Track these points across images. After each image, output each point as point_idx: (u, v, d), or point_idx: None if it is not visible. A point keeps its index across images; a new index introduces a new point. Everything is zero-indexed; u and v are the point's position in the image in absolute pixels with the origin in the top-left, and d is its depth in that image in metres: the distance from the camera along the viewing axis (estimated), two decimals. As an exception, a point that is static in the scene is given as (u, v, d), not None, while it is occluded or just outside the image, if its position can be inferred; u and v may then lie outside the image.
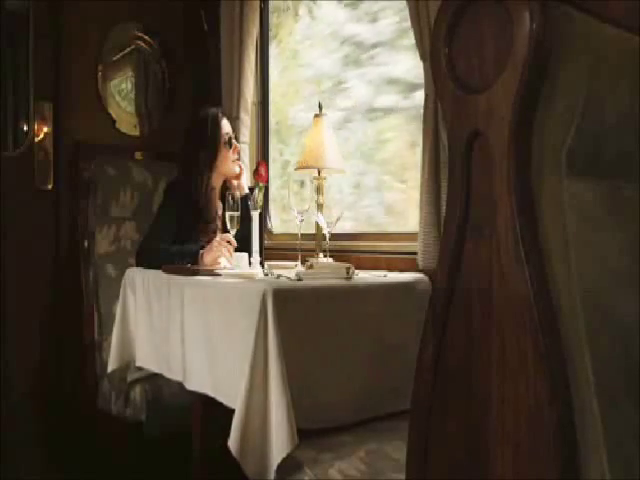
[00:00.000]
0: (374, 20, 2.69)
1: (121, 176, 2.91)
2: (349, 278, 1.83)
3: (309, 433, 1.57)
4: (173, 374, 1.96)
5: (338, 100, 2.86)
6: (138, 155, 3.16)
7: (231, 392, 1.62)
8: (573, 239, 0.93)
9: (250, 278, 1.81)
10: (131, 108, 3.22)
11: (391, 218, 2.64)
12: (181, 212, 2.36)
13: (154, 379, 2.36)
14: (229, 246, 2.11)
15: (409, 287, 1.93)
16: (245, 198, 2.19)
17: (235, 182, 2.43)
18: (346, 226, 2.65)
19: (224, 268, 2.03)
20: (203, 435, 1.88)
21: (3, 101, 2.83)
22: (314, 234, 2.36)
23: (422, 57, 2.02)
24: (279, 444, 1.48)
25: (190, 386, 1.86)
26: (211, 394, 1.75)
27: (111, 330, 2.32)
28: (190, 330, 1.86)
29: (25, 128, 2.87)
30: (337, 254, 2.28)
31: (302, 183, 2.06)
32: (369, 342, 1.78)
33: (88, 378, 2.72)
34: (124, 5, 3.12)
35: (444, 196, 1.93)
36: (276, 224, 3.09)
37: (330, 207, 2.12)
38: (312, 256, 2.23)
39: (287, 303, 1.58)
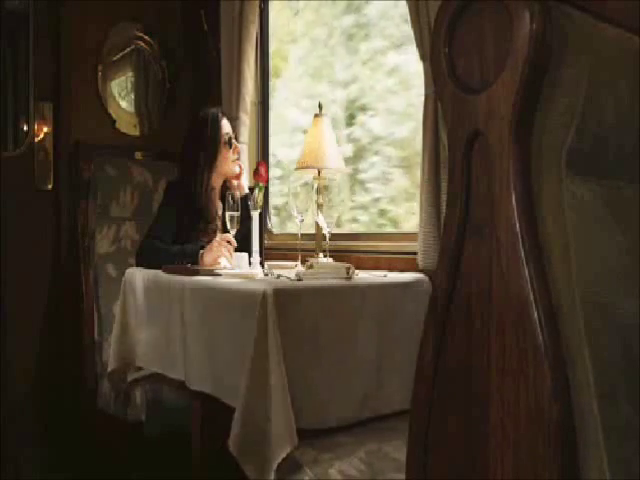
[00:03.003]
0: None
1: (121, 176, 2.91)
2: (349, 278, 1.83)
3: (309, 433, 1.57)
4: (175, 373, 1.96)
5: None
6: (138, 155, 3.15)
7: (233, 391, 1.62)
8: (573, 239, 0.93)
9: (250, 278, 1.81)
10: (131, 108, 3.22)
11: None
12: (181, 212, 2.36)
13: (154, 379, 2.35)
14: (229, 246, 2.11)
15: (409, 287, 1.93)
16: (245, 198, 2.19)
17: (235, 182, 2.43)
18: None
19: (224, 268, 2.03)
20: (203, 435, 1.88)
21: (3, 101, 2.83)
22: (314, 234, 2.36)
23: (422, 57, 2.02)
24: (279, 444, 1.48)
25: (192, 385, 1.86)
26: (213, 393, 1.75)
27: (111, 330, 2.32)
28: (191, 330, 1.86)
29: (25, 128, 2.87)
30: (337, 254, 2.28)
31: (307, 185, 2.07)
32: (369, 342, 1.77)
33: (88, 378, 2.72)
34: (124, 5, 3.12)
35: (444, 196, 1.92)
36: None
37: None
38: (312, 256, 2.23)
39: (287, 303, 1.58)
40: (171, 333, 1.96)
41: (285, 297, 1.58)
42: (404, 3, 2.06)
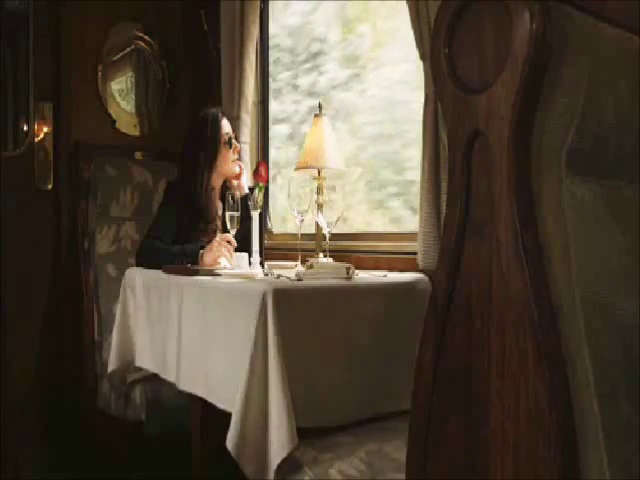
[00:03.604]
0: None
1: (121, 176, 2.91)
2: (349, 278, 1.83)
3: (309, 433, 1.57)
4: (168, 374, 1.96)
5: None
6: (138, 155, 3.15)
7: (226, 394, 1.62)
8: (573, 239, 0.93)
9: (250, 278, 1.81)
10: (131, 108, 3.22)
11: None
12: (181, 212, 2.36)
13: (154, 379, 2.35)
14: (229, 246, 2.11)
15: (409, 287, 1.93)
16: (245, 198, 2.19)
17: (235, 182, 2.43)
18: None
19: (224, 268, 2.03)
20: (203, 435, 1.88)
21: (3, 101, 2.84)
22: (314, 234, 2.36)
23: (422, 57, 2.02)
24: (278, 444, 1.48)
25: (182, 386, 1.86)
26: (203, 395, 1.75)
27: (111, 330, 2.32)
28: (188, 330, 1.85)
29: (25, 128, 2.87)
30: (337, 254, 2.28)
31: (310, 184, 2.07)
32: (369, 342, 1.77)
33: (88, 378, 2.72)
34: (124, 5, 3.12)
35: (444, 196, 1.92)
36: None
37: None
38: (312, 256, 2.23)
39: (287, 303, 1.58)
40: (169, 333, 1.96)
41: (285, 297, 1.58)
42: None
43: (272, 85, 3.20)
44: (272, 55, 3.20)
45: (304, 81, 3.03)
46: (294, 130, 3.10)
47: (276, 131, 3.19)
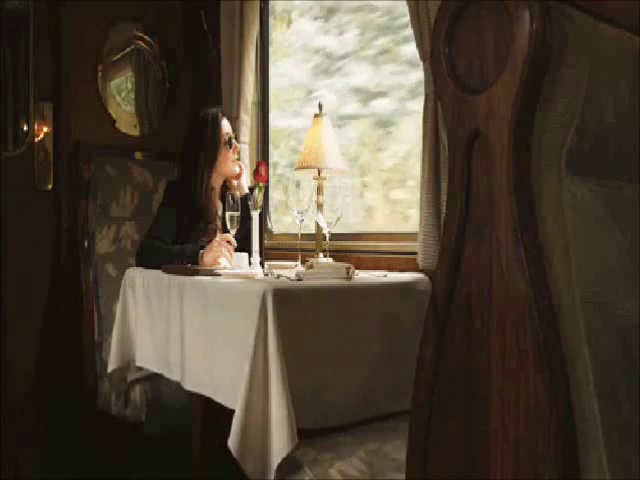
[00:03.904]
0: (341, 33, 2.79)
1: (121, 176, 2.91)
2: (349, 278, 1.83)
3: (309, 433, 1.57)
4: (172, 374, 1.96)
5: (308, 108, 2.96)
6: (138, 155, 3.15)
7: (229, 392, 1.62)
8: (573, 239, 0.93)
9: (250, 278, 1.81)
10: (131, 108, 3.22)
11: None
12: (181, 212, 2.36)
13: (154, 379, 2.36)
14: (229, 246, 2.11)
15: (409, 287, 1.93)
16: (245, 198, 2.19)
17: (235, 182, 2.43)
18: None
19: (224, 268, 2.03)
20: (203, 435, 1.88)
21: (3, 101, 2.84)
22: (314, 234, 2.36)
23: (422, 57, 2.02)
24: (279, 444, 1.48)
25: (188, 386, 1.86)
26: (209, 394, 1.75)
27: (111, 330, 2.32)
28: (189, 330, 1.86)
29: (25, 128, 2.87)
30: (337, 254, 2.28)
31: (298, 183, 2.06)
32: (369, 342, 1.78)
33: (88, 378, 2.72)
34: (124, 5, 3.12)
35: (444, 196, 1.92)
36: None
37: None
38: (312, 256, 2.23)
39: (287, 303, 1.58)
40: (170, 333, 1.96)
41: (285, 297, 1.58)
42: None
43: (364, 52, 2.67)
44: (361, 17, 2.68)
45: (406, 49, 2.50)
46: (399, 107, 2.57)
47: (373, 107, 2.68)
